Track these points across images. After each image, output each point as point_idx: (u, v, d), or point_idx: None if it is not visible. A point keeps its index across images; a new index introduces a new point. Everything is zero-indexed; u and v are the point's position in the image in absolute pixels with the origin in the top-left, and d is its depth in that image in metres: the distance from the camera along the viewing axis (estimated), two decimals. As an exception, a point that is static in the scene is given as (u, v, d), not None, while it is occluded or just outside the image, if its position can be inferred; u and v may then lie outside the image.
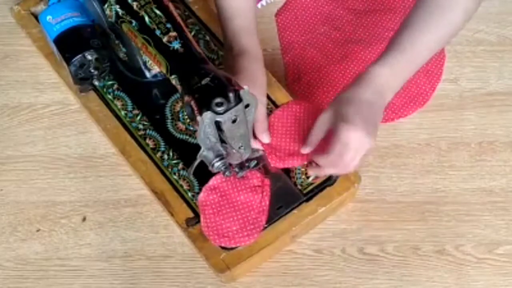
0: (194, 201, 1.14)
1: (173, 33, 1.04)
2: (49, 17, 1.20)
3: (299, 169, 1.15)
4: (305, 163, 1.14)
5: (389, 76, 1.07)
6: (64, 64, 1.18)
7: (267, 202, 1.13)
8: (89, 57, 1.17)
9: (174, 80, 1.04)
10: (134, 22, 1.07)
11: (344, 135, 1.05)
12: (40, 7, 1.30)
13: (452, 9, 1.06)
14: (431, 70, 1.28)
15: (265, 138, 1.14)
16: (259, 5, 1.36)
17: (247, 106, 1.00)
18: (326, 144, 1.08)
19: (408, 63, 1.08)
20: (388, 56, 1.08)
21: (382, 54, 1.09)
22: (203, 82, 0.99)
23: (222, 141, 1.04)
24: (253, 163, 1.13)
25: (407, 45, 1.07)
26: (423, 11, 1.07)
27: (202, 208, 1.12)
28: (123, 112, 1.22)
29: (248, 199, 1.13)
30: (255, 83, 1.11)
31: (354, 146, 1.05)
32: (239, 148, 1.06)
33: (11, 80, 1.32)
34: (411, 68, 1.09)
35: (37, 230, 1.19)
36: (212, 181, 1.14)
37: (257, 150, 1.14)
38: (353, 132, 1.05)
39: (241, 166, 1.11)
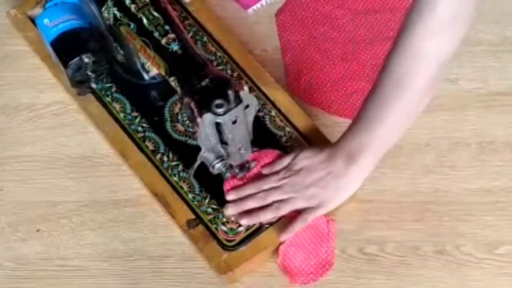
0: (195, 202, 1.15)
1: (172, 35, 1.04)
2: (46, 20, 1.20)
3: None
4: None
5: (362, 144, 1.09)
6: (62, 67, 1.18)
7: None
8: (86, 60, 1.17)
9: (173, 82, 1.04)
10: (132, 25, 1.07)
11: (297, 155, 1.13)
12: (36, 11, 1.30)
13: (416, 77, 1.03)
14: (431, 70, 1.28)
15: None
16: (258, 5, 1.36)
17: (247, 107, 1.01)
18: None
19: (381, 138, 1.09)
20: (356, 126, 1.10)
21: (350, 126, 1.11)
22: (203, 83, 1.00)
23: (222, 142, 1.04)
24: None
25: (376, 124, 1.08)
26: (388, 85, 1.05)
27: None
28: (121, 115, 1.22)
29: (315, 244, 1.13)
30: None
31: (303, 164, 1.11)
32: (239, 149, 1.06)
33: (11, 80, 1.32)
34: (387, 137, 1.10)
35: (37, 230, 1.19)
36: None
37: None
38: (306, 153, 1.12)
39: (241, 167, 1.11)
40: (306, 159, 1.13)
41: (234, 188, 1.14)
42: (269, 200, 1.12)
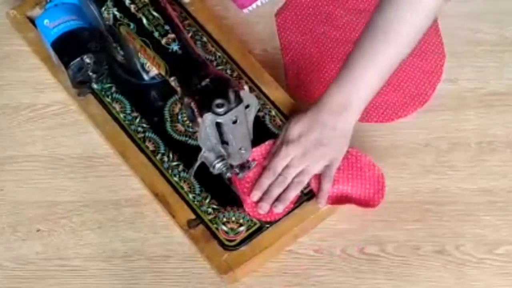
0: (195, 202, 1.15)
1: (172, 35, 1.05)
2: (46, 21, 1.20)
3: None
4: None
5: (347, 94, 1.12)
6: (62, 67, 1.18)
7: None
8: (87, 61, 1.17)
9: (173, 82, 1.04)
10: (132, 25, 1.07)
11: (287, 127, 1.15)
12: (36, 11, 1.30)
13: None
14: (431, 70, 1.28)
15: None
16: (254, 5, 1.36)
17: (247, 106, 1.01)
18: None
19: (364, 79, 1.11)
20: (341, 76, 1.12)
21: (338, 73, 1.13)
22: (203, 83, 1.00)
23: (223, 142, 1.04)
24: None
25: (358, 65, 1.11)
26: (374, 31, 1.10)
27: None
28: (121, 115, 1.22)
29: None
30: None
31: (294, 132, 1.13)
32: (240, 149, 1.06)
33: (11, 80, 1.32)
34: (372, 82, 1.12)
35: (37, 230, 1.19)
36: None
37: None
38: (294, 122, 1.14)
39: (242, 166, 1.11)
40: (296, 125, 1.15)
41: (251, 185, 1.15)
42: (289, 179, 1.14)
